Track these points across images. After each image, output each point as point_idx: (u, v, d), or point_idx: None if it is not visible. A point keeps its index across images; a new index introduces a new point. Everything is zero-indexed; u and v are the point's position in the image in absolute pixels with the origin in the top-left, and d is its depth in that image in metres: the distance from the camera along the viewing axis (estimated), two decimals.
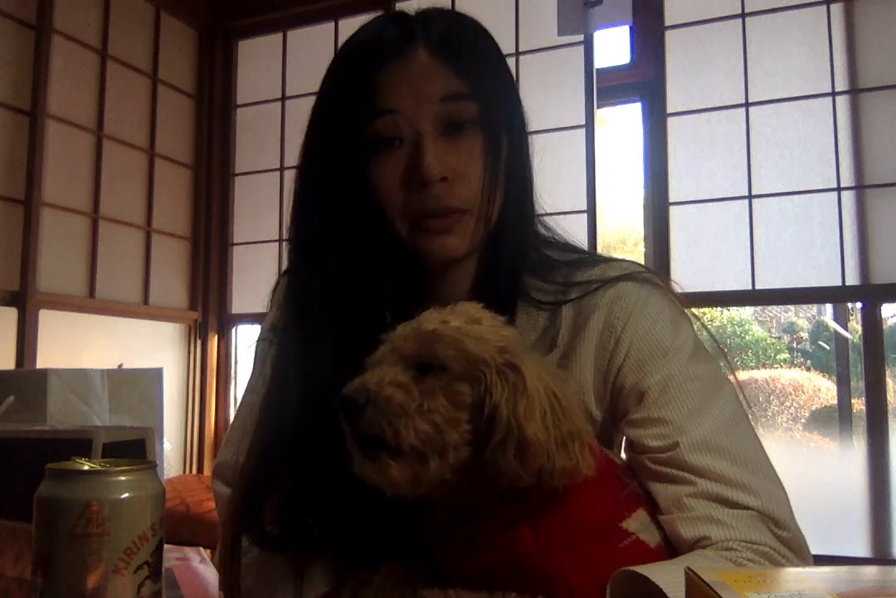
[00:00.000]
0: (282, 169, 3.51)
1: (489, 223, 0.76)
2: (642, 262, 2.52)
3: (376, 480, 0.57)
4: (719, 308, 3.51)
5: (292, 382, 0.75)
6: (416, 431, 0.56)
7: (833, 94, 2.69)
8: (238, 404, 0.94)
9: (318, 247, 0.76)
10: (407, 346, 0.60)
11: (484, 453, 0.58)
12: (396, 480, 0.56)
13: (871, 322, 2.58)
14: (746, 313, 4.38)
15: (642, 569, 0.56)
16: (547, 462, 0.57)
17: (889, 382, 2.57)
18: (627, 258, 0.84)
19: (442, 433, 0.57)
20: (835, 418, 3.34)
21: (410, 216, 0.75)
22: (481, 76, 0.75)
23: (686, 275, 2.80)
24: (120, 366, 2.70)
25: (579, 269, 0.80)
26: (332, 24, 3.46)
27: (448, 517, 0.64)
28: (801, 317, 4.41)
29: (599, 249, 2.87)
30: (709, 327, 0.94)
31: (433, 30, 0.75)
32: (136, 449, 0.89)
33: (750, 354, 4.52)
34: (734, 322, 4.46)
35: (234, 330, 3.67)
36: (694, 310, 0.83)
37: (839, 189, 2.65)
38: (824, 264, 2.64)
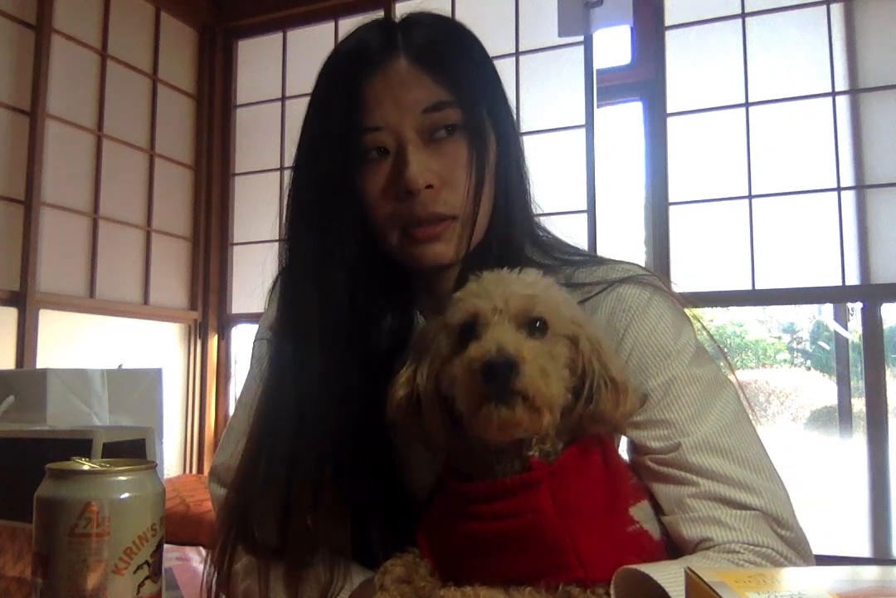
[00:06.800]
0: (282, 169, 3.51)
1: (478, 228, 0.76)
2: (642, 262, 2.53)
3: (504, 422, 0.60)
4: (719, 308, 3.51)
5: (287, 384, 0.76)
6: (550, 389, 0.61)
7: (833, 94, 2.69)
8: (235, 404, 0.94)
9: (309, 254, 0.77)
10: (513, 306, 0.63)
11: (577, 404, 0.64)
12: (520, 423, 0.60)
13: (871, 322, 2.58)
14: (746, 312, 4.38)
15: (645, 567, 0.56)
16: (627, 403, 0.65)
17: (889, 382, 2.57)
18: (629, 260, 0.84)
19: (557, 400, 0.62)
20: (835, 418, 3.34)
21: (399, 225, 0.75)
22: (463, 83, 0.75)
23: (686, 275, 2.81)
24: (120, 366, 2.70)
25: (581, 270, 0.80)
26: (331, 24, 3.46)
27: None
28: (801, 317, 4.41)
29: (599, 250, 2.87)
30: (709, 327, 0.94)
31: (414, 37, 0.76)
32: (136, 449, 0.89)
33: (750, 354, 4.51)
34: (734, 322, 4.46)
35: (233, 330, 3.67)
36: (695, 310, 0.83)
37: (839, 189, 2.65)
38: (824, 264, 2.64)
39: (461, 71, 0.76)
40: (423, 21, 0.79)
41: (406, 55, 0.74)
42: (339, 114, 0.74)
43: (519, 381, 0.59)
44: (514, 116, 0.83)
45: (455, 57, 0.77)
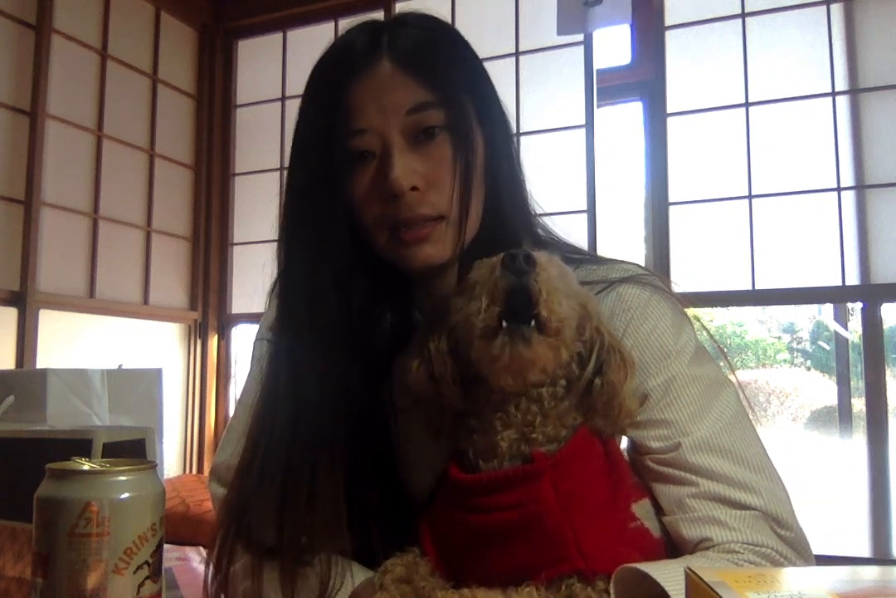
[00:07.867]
0: (282, 169, 3.51)
1: (469, 228, 0.76)
2: (642, 262, 2.53)
3: (517, 354, 0.60)
4: (719, 308, 3.52)
5: (284, 385, 0.76)
6: (562, 309, 0.61)
7: (833, 94, 2.69)
8: (235, 404, 0.94)
9: (303, 256, 0.77)
10: (528, 255, 0.64)
11: (585, 373, 0.65)
12: (536, 356, 0.60)
13: (871, 322, 2.58)
14: (746, 312, 4.38)
15: (644, 566, 0.56)
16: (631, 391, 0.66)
17: (889, 382, 2.57)
18: (629, 260, 0.84)
19: (568, 327, 0.62)
20: (835, 418, 3.34)
21: (387, 226, 0.75)
22: (448, 84, 0.75)
23: (686, 275, 2.81)
24: (120, 366, 2.70)
25: (581, 270, 0.80)
26: (331, 24, 3.46)
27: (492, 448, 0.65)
28: (801, 317, 4.41)
29: (599, 250, 2.87)
30: (709, 327, 0.94)
31: (399, 40, 0.76)
32: (136, 449, 0.89)
33: (750, 354, 4.52)
34: (734, 322, 4.46)
35: (233, 330, 3.67)
36: (695, 310, 0.83)
37: (839, 189, 2.65)
38: (824, 264, 2.64)
39: (445, 71, 0.76)
40: (409, 22, 0.79)
41: (389, 58, 0.74)
42: (325, 118, 0.75)
43: (535, 277, 0.60)
44: (507, 116, 0.82)
45: (439, 58, 0.77)
